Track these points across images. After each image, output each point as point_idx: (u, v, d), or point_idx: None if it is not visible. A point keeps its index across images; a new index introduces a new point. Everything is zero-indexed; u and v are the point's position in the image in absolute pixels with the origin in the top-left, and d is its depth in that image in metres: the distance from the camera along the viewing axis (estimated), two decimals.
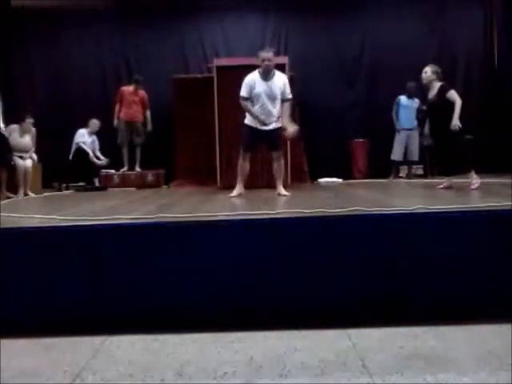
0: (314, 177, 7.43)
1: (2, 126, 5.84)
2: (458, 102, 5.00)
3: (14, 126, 6.37)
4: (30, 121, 6.54)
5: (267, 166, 6.37)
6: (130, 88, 7.57)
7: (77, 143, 7.38)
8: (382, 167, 8.07)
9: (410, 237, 2.74)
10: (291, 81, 6.73)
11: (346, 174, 7.86)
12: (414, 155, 7.53)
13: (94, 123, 7.51)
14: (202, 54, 8.66)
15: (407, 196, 4.65)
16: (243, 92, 4.90)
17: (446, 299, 2.69)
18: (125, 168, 7.63)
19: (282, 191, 5.00)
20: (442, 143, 5.12)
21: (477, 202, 3.34)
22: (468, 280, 2.71)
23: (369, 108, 8.55)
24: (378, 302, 2.70)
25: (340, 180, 7.41)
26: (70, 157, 7.38)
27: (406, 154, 7.54)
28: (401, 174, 8.16)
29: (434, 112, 5.21)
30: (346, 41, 8.62)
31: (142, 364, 2.22)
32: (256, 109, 4.90)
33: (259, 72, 4.88)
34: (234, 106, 6.31)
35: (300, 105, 7.41)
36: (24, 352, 2.41)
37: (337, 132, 8.40)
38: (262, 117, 4.88)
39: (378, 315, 2.66)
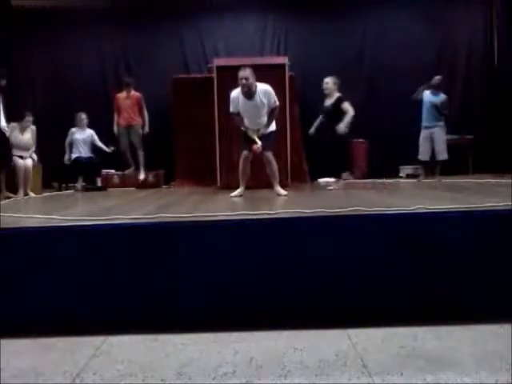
0: (314, 177, 7.43)
1: (4, 124, 5.82)
2: (350, 113, 5.69)
3: (14, 124, 6.36)
4: (29, 118, 6.54)
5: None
6: (123, 93, 7.40)
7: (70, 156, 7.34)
8: (382, 167, 8.08)
9: (410, 237, 2.74)
10: (291, 81, 6.76)
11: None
12: (441, 154, 7.02)
13: (80, 117, 7.33)
14: (202, 54, 8.66)
15: (407, 196, 4.65)
16: (231, 108, 4.97)
17: (446, 299, 2.69)
18: (131, 169, 7.46)
19: (280, 191, 5.01)
20: (330, 147, 5.86)
21: (477, 202, 3.34)
22: (468, 280, 2.71)
23: (369, 108, 8.55)
24: (378, 301, 2.70)
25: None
26: (66, 160, 7.33)
27: (432, 152, 7.06)
28: (400, 174, 8.16)
29: (329, 119, 5.90)
30: (346, 41, 8.63)
31: (142, 364, 2.22)
32: (245, 121, 4.96)
33: (240, 87, 4.82)
34: None
35: (300, 105, 7.42)
36: (24, 352, 2.41)
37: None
38: (253, 127, 4.93)
39: (378, 315, 2.66)
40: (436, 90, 7.05)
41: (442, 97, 7.07)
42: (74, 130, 7.36)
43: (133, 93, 7.39)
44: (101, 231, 2.80)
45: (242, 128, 5.00)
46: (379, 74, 8.52)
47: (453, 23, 8.59)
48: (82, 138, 7.35)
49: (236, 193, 5.05)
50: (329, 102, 5.95)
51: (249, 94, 4.80)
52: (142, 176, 7.40)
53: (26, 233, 2.82)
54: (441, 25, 8.58)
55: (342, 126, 5.67)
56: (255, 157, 5.03)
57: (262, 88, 4.86)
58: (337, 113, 5.78)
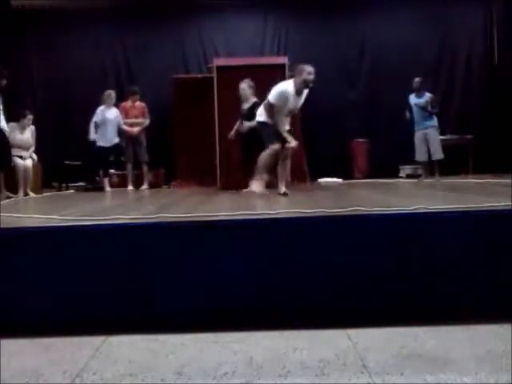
0: (314, 177, 7.43)
1: (4, 124, 5.83)
2: (257, 118, 5.55)
3: (14, 124, 6.36)
4: (29, 117, 6.54)
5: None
6: (129, 103, 7.30)
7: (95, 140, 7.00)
8: (382, 167, 8.08)
9: (410, 237, 2.74)
10: None
11: (346, 174, 7.87)
12: (437, 154, 7.07)
13: (109, 94, 7.03)
14: (202, 54, 8.68)
15: (407, 196, 4.65)
16: (275, 101, 4.75)
17: (446, 299, 2.69)
18: (130, 187, 7.16)
19: (283, 190, 4.99)
20: (247, 149, 5.88)
21: (477, 202, 3.34)
22: (468, 280, 2.71)
23: (369, 108, 8.56)
24: (378, 301, 2.70)
25: (340, 180, 7.42)
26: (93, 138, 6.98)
27: (429, 153, 7.12)
28: (400, 174, 8.16)
29: (243, 122, 5.97)
30: (346, 41, 8.64)
31: (142, 364, 2.22)
32: (279, 116, 4.85)
33: (296, 85, 4.71)
34: (234, 106, 6.34)
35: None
36: (24, 352, 2.41)
37: (337, 132, 8.41)
38: (284, 124, 4.90)
39: (378, 315, 2.66)
40: (419, 91, 7.14)
41: (427, 96, 7.14)
42: (102, 107, 7.00)
43: (138, 103, 7.28)
44: (101, 231, 2.80)
45: (265, 119, 4.90)
46: (379, 73, 8.53)
47: (453, 23, 8.60)
48: (111, 117, 6.99)
49: (284, 190, 4.89)
50: (246, 105, 6.02)
51: (302, 91, 4.77)
52: (144, 187, 7.19)
53: (26, 233, 2.82)
54: (441, 25, 8.58)
55: (246, 125, 5.80)
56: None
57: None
58: (252, 117, 5.69)
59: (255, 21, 8.77)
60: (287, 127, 4.99)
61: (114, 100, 7.09)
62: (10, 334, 2.56)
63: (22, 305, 2.69)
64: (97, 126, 7.02)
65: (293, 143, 4.83)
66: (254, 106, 5.79)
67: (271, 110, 4.81)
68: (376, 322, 2.59)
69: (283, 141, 4.86)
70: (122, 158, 7.30)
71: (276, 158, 4.94)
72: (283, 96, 4.73)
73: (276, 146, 4.86)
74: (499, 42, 8.69)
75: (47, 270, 2.71)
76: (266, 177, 5.05)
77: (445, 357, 2.18)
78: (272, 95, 4.80)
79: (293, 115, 5.21)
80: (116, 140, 7.06)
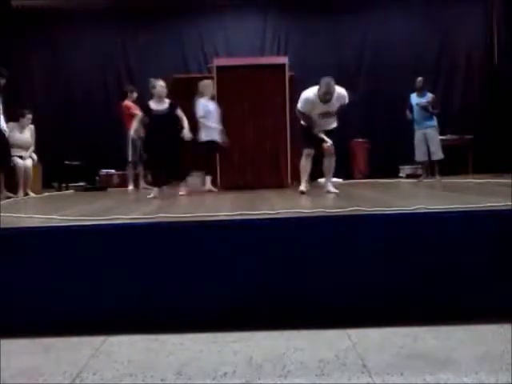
0: (314, 177, 7.42)
1: (4, 125, 5.83)
2: (185, 119, 5.50)
3: (13, 124, 6.35)
4: (29, 116, 6.54)
5: (268, 166, 6.37)
6: (130, 101, 7.13)
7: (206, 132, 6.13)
8: (382, 167, 8.08)
9: (410, 237, 2.74)
10: (291, 81, 6.76)
11: (346, 174, 7.86)
12: (436, 154, 7.03)
13: (206, 85, 6.27)
14: (201, 54, 8.68)
15: (407, 196, 4.65)
16: (302, 108, 4.85)
17: (446, 299, 2.69)
18: (130, 187, 7.04)
19: (331, 189, 5.00)
20: (164, 151, 5.49)
21: (477, 202, 3.34)
22: (468, 280, 2.71)
23: (369, 108, 8.56)
24: (378, 301, 2.70)
25: (340, 180, 7.40)
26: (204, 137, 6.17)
27: (428, 153, 7.08)
28: (400, 174, 8.16)
29: (162, 123, 5.55)
30: (346, 41, 8.64)
31: (142, 364, 2.22)
32: (312, 120, 4.89)
33: (320, 95, 4.71)
34: (234, 106, 6.33)
35: None
36: (24, 352, 2.41)
37: (337, 132, 8.39)
38: (320, 125, 4.91)
39: (378, 315, 2.66)
40: (421, 91, 7.11)
41: (429, 96, 7.10)
42: (203, 100, 6.21)
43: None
44: (101, 231, 2.80)
45: (307, 124, 4.91)
46: (379, 73, 8.53)
47: (453, 23, 8.60)
48: (213, 109, 6.24)
49: (303, 188, 5.01)
50: (161, 106, 5.53)
51: (328, 100, 4.76)
52: (143, 185, 7.10)
53: (26, 233, 2.82)
54: (441, 24, 8.59)
55: (188, 133, 5.42)
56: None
57: (339, 92, 4.83)
58: (171, 118, 5.46)
59: (255, 21, 8.77)
60: (330, 127, 4.99)
61: (211, 90, 6.34)
62: (9, 334, 2.56)
63: (21, 305, 2.69)
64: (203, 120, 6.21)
65: (328, 143, 4.86)
66: (172, 108, 5.47)
67: (300, 115, 4.92)
68: (376, 321, 2.59)
69: (320, 142, 4.91)
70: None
71: (310, 160, 5.06)
72: (307, 103, 4.81)
73: (308, 151, 4.98)
74: (499, 42, 8.69)
75: (47, 269, 2.71)
76: (306, 179, 5.06)
77: (445, 357, 2.18)
78: (299, 101, 4.89)
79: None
80: (218, 134, 6.27)
